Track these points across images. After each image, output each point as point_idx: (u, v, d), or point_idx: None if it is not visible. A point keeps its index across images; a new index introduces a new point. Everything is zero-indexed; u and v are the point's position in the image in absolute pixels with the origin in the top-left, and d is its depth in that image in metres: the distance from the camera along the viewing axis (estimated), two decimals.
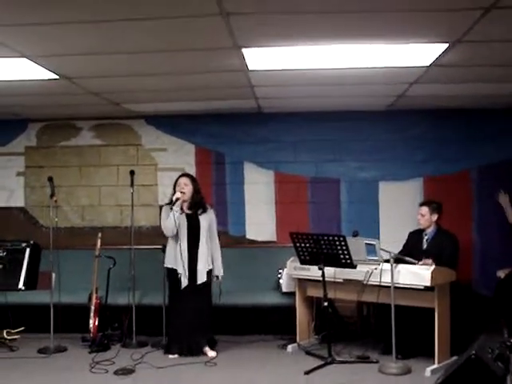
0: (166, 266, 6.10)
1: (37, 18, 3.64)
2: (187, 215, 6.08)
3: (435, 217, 6.19)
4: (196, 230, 6.05)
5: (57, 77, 5.24)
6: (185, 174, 6.32)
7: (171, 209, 5.97)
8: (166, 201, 6.38)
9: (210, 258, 6.11)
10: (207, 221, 6.12)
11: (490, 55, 4.70)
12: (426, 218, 6.20)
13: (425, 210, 6.21)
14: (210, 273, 6.09)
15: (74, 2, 3.39)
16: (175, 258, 5.97)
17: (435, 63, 4.88)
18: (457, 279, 5.72)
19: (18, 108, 6.96)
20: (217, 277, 6.18)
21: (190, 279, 5.96)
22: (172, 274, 6.02)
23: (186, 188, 6.08)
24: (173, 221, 5.91)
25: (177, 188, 6.07)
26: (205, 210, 6.16)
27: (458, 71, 5.26)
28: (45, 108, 6.99)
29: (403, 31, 4.07)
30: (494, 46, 4.41)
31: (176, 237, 5.99)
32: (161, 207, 6.31)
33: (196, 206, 6.14)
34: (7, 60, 4.63)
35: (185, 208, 6.10)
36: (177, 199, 5.97)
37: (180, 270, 5.95)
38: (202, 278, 6.01)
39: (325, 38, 4.19)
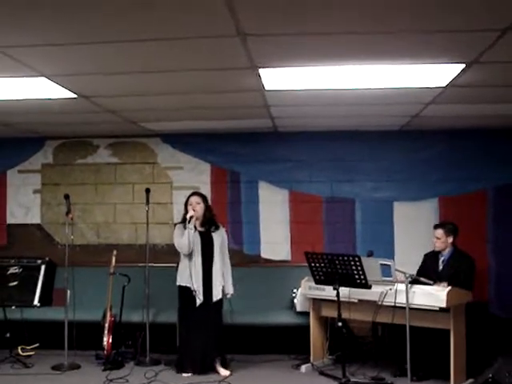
0: (178, 284, 6.09)
1: (55, 38, 3.69)
2: (200, 233, 6.11)
3: (451, 239, 6.13)
4: (209, 247, 6.07)
5: (75, 96, 5.30)
6: (196, 193, 6.35)
7: (184, 227, 5.99)
8: (179, 219, 6.39)
9: (223, 275, 6.11)
10: (220, 238, 6.14)
11: (506, 76, 4.69)
12: (442, 241, 6.14)
13: (440, 232, 6.16)
14: (222, 290, 6.09)
15: (92, 22, 3.43)
16: (189, 275, 5.97)
17: (452, 84, 4.88)
18: (473, 300, 5.67)
19: (36, 126, 7.04)
20: (227, 294, 6.17)
21: (204, 296, 5.96)
22: (185, 292, 6.02)
23: (198, 206, 6.12)
24: (188, 238, 5.93)
25: (189, 207, 6.11)
26: (217, 228, 6.18)
27: (474, 92, 5.25)
28: (62, 126, 7.06)
29: (420, 52, 4.08)
30: (510, 66, 4.41)
31: (190, 254, 6.00)
32: (175, 225, 6.32)
33: (208, 223, 6.16)
34: (26, 79, 4.69)
35: (197, 226, 6.12)
36: (191, 217, 5.99)
37: (194, 288, 5.95)
38: (217, 295, 6.02)
39: (341, 58, 4.21)
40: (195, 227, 6.09)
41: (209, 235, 6.12)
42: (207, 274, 6.02)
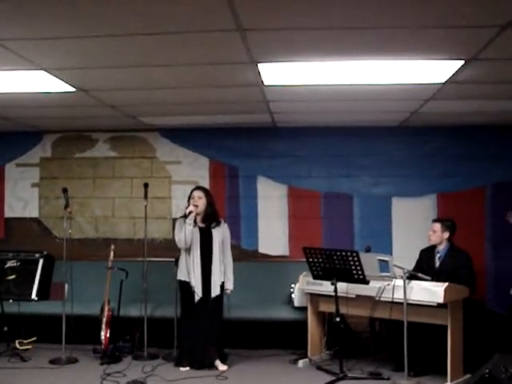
0: (178, 278, 6.10)
1: (54, 31, 3.70)
2: (200, 228, 6.10)
3: (446, 235, 6.13)
4: (209, 243, 6.06)
5: (73, 89, 5.30)
6: (199, 187, 6.33)
7: (185, 222, 5.99)
8: (180, 214, 6.39)
9: (223, 272, 6.12)
10: (220, 234, 6.13)
11: (506, 72, 4.70)
12: (437, 235, 6.15)
13: (437, 226, 6.17)
14: (222, 286, 6.10)
15: (92, 16, 3.43)
16: (188, 271, 5.98)
17: (451, 80, 4.89)
18: (470, 296, 5.69)
19: (34, 119, 7.03)
20: (226, 290, 6.16)
21: (203, 292, 5.97)
22: (184, 286, 6.02)
23: (200, 201, 6.10)
24: (186, 234, 5.93)
25: (190, 201, 6.10)
26: (218, 224, 6.17)
27: (473, 88, 5.26)
28: (61, 120, 7.05)
29: (419, 48, 4.08)
30: (510, 63, 4.41)
31: (189, 250, 6.00)
32: (174, 220, 6.31)
33: (209, 219, 6.15)
34: (25, 72, 4.68)
35: (198, 221, 6.11)
36: (190, 212, 5.99)
37: (193, 283, 5.95)
38: (215, 291, 6.02)
39: (340, 54, 4.21)
40: (195, 222, 6.08)
41: (209, 231, 6.11)
42: (206, 270, 6.03)
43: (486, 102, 5.83)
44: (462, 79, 4.84)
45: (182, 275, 6.06)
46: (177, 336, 6.32)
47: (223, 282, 6.10)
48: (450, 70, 4.60)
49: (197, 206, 6.05)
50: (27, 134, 7.77)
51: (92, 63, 4.51)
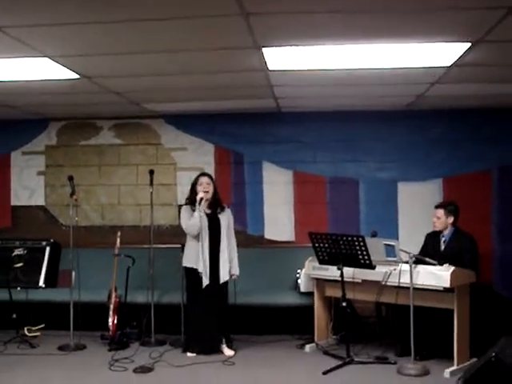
0: (184, 265, 6.11)
1: (58, 18, 3.68)
2: (207, 215, 6.10)
3: (451, 219, 6.10)
4: (217, 229, 6.07)
5: (78, 76, 5.28)
6: (205, 174, 6.33)
7: (192, 209, 5.99)
8: (184, 200, 6.38)
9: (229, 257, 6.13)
10: (226, 220, 6.15)
11: None
12: (441, 221, 6.11)
13: (440, 212, 6.13)
14: (228, 271, 6.11)
15: (95, 3, 3.41)
16: (196, 257, 5.99)
17: (457, 63, 4.85)
18: (477, 280, 5.68)
19: (39, 107, 7.02)
20: (232, 275, 6.18)
21: (211, 278, 5.98)
22: (191, 273, 6.04)
23: (209, 187, 6.10)
24: (198, 220, 5.93)
25: (199, 187, 6.08)
26: (223, 209, 6.19)
27: (479, 71, 5.22)
28: (65, 107, 7.04)
29: (425, 31, 4.04)
30: None
31: (197, 237, 6.01)
32: (180, 206, 6.31)
33: (215, 205, 6.16)
34: (29, 60, 4.67)
35: (205, 207, 6.12)
36: (201, 199, 5.99)
37: (201, 269, 5.96)
38: (224, 276, 6.04)
39: (345, 37, 4.18)
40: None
41: (216, 217, 6.12)
42: (214, 256, 6.03)
43: (492, 84, 5.79)
44: (468, 62, 4.80)
45: (188, 262, 6.07)
46: (184, 322, 6.35)
47: (229, 267, 6.12)
48: (456, 53, 4.57)
49: (207, 192, 6.05)
50: (32, 122, 7.77)
51: (96, 50, 4.49)
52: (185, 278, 6.18)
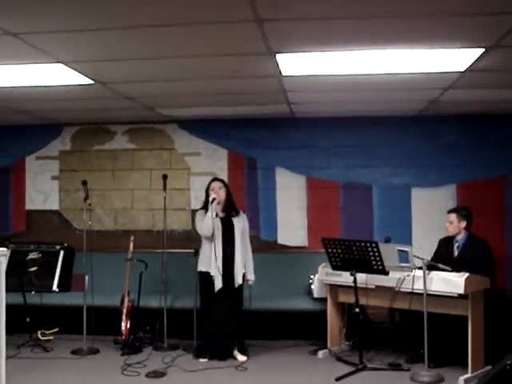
0: (199, 269, 6.12)
1: (72, 24, 3.71)
2: (221, 219, 6.12)
3: (464, 224, 6.07)
4: (230, 232, 6.09)
5: (92, 82, 5.32)
6: (217, 179, 6.38)
7: (206, 213, 6.01)
8: (199, 205, 6.41)
9: (244, 262, 6.13)
10: (241, 224, 6.16)
11: None
12: (454, 226, 6.09)
13: (453, 217, 6.10)
14: (243, 276, 6.12)
15: (110, 8, 3.44)
16: (209, 261, 6.01)
17: (470, 68, 4.83)
18: (491, 287, 5.64)
19: (53, 113, 7.07)
20: (248, 280, 6.19)
21: (224, 282, 5.98)
22: (205, 277, 6.05)
23: (221, 191, 6.13)
24: (210, 220, 5.96)
25: (211, 192, 6.11)
26: (238, 213, 6.21)
27: (493, 77, 5.20)
28: (79, 112, 7.09)
29: (438, 36, 4.04)
30: None
31: (211, 240, 6.02)
32: (193, 211, 6.33)
33: (229, 209, 6.18)
34: (43, 66, 4.71)
35: (219, 211, 6.13)
36: (213, 199, 6.01)
37: (214, 273, 5.97)
38: (238, 280, 6.05)
39: (359, 43, 4.18)
40: (216, 213, 6.09)
41: (230, 221, 6.14)
42: (229, 260, 6.04)
43: (506, 90, 5.76)
44: (482, 67, 4.78)
45: (202, 266, 6.09)
46: (196, 327, 6.35)
47: (244, 272, 6.12)
48: (470, 59, 4.55)
49: (219, 196, 6.09)
50: (47, 127, 7.82)
51: (110, 56, 4.52)
52: (199, 282, 6.19)
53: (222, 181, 6.33)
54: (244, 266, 6.14)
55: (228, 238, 6.07)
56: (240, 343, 6.16)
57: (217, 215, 6.09)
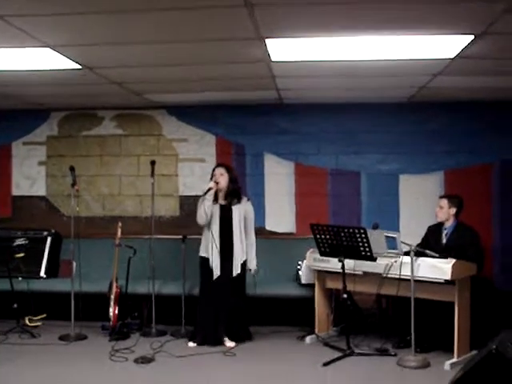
0: (200, 254, 6.12)
1: (60, 8, 3.66)
2: (221, 206, 6.09)
3: (453, 210, 6.12)
4: (229, 220, 6.05)
5: (79, 67, 5.27)
6: (220, 164, 6.33)
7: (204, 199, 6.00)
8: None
9: (245, 250, 6.11)
10: (241, 212, 6.11)
11: None
12: (444, 211, 6.14)
13: (444, 202, 6.16)
14: (244, 265, 6.10)
15: None
16: (207, 247, 6.01)
17: (460, 55, 4.83)
18: (478, 273, 5.68)
19: (41, 98, 7.01)
20: (249, 270, 6.17)
21: (222, 270, 5.99)
22: (205, 263, 6.06)
23: (222, 178, 6.08)
24: (203, 210, 5.94)
25: (213, 178, 6.08)
26: (239, 201, 6.14)
27: (482, 63, 5.20)
28: (67, 98, 7.03)
29: (428, 22, 4.03)
30: None
31: (208, 227, 6.01)
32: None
33: (231, 196, 6.13)
34: (30, 50, 4.65)
35: (220, 198, 6.11)
36: (209, 189, 5.99)
37: (212, 261, 5.98)
38: (236, 270, 6.04)
39: (348, 28, 4.16)
40: (217, 200, 6.07)
41: (229, 209, 6.09)
42: (227, 248, 6.03)
43: (495, 77, 5.78)
44: (471, 54, 4.79)
45: (202, 251, 6.10)
46: (184, 313, 6.37)
47: (245, 261, 6.11)
48: (459, 45, 4.55)
49: (218, 183, 6.04)
50: (34, 112, 7.76)
51: (97, 40, 4.47)
52: (199, 267, 6.17)
53: (225, 167, 6.24)
54: (245, 255, 6.11)
55: (226, 226, 6.04)
56: (246, 331, 6.22)
57: (216, 202, 6.06)
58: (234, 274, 6.04)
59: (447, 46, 4.57)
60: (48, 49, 4.62)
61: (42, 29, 4.13)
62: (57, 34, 4.28)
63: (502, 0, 3.52)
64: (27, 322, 6.53)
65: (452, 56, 4.90)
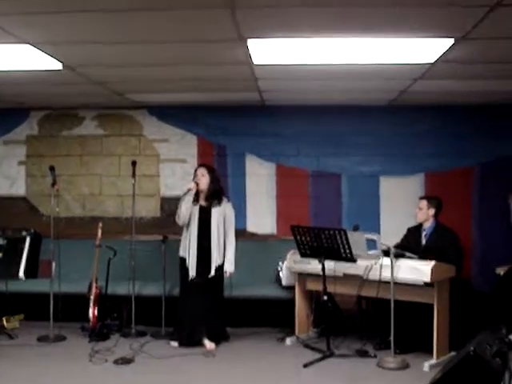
0: (179, 255, 6.11)
1: (43, 5, 3.63)
2: (201, 207, 6.07)
3: (432, 211, 6.18)
4: (207, 222, 6.04)
5: (60, 66, 5.22)
6: (202, 165, 6.32)
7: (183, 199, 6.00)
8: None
9: (223, 253, 6.10)
10: (220, 214, 6.08)
11: (496, 52, 4.69)
12: (423, 212, 6.21)
13: (423, 203, 6.23)
14: (220, 267, 6.08)
15: None
16: (185, 248, 6.01)
17: (440, 59, 4.87)
18: (457, 275, 5.73)
19: (21, 97, 6.94)
20: (225, 273, 6.13)
21: (198, 272, 5.98)
22: (183, 263, 6.06)
23: (203, 178, 6.06)
24: (182, 210, 5.92)
25: (194, 179, 6.07)
26: (219, 203, 6.11)
27: (463, 68, 5.24)
28: (47, 97, 6.97)
29: (408, 26, 4.04)
30: (500, 42, 4.39)
31: (187, 227, 5.99)
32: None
33: (212, 197, 6.10)
34: (11, 46, 4.58)
35: (201, 199, 6.09)
36: (188, 190, 5.97)
37: (188, 262, 5.97)
38: (212, 272, 6.03)
39: (330, 31, 4.17)
40: (198, 201, 6.05)
41: (209, 210, 6.07)
42: (204, 250, 6.01)
43: (475, 81, 5.82)
44: (451, 58, 4.82)
45: (181, 251, 6.11)
46: (164, 314, 6.34)
47: (222, 264, 6.10)
48: (439, 49, 4.58)
49: (197, 184, 6.02)
50: (13, 112, 7.68)
51: (79, 38, 4.43)
52: (179, 267, 6.16)
53: (207, 167, 6.22)
54: (223, 257, 6.09)
55: (205, 227, 6.03)
56: (224, 332, 6.21)
57: (197, 203, 6.05)
58: (210, 275, 6.03)
59: (428, 50, 4.60)
60: (28, 45, 4.56)
61: (23, 26, 4.07)
62: (38, 31, 4.21)
63: (482, 5, 3.55)
64: (5, 322, 6.46)
65: (432, 61, 4.93)
